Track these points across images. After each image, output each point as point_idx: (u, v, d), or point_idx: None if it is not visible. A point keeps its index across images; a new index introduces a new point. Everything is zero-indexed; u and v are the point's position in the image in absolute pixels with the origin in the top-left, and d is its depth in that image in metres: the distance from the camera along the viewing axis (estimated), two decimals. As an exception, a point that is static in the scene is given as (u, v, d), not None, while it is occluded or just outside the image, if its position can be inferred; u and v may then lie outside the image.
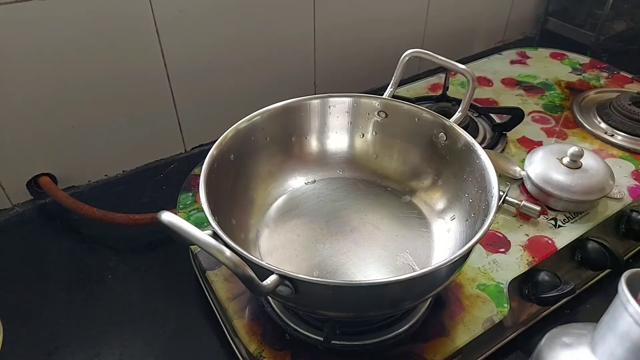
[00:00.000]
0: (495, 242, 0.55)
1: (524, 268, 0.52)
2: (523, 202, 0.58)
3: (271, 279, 0.34)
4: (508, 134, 0.72)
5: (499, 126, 0.73)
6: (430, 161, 0.54)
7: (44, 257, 0.61)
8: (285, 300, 0.40)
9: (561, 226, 0.57)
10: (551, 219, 0.58)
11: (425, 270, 0.35)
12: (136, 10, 0.62)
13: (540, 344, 0.40)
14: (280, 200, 0.55)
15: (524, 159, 0.64)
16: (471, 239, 0.37)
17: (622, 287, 0.31)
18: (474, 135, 0.65)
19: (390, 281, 0.35)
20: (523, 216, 0.58)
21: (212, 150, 0.46)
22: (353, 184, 0.58)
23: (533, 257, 0.53)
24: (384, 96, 0.55)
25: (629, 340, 0.31)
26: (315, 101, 0.55)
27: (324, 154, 0.58)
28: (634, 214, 0.60)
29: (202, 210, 0.39)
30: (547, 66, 0.92)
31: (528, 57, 0.95)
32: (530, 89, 0.85)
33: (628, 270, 0.32)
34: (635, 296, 0.30)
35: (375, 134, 0.57)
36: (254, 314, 0.48)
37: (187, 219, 0.58)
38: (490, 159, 0.45)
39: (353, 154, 0.58)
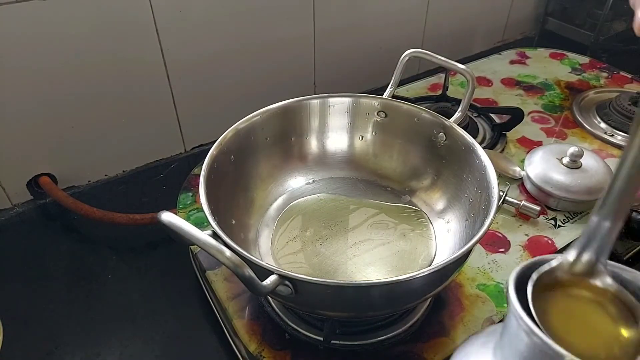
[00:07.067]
0: (495, 242, 0.55)
1: (523, 268, 0.52)
2: (523, 202, 0.58)
3: (271, 279, 0.34)
4: (508, 134, 0.72)
5: (499, 126, 0.73)
6: (430, 161, 0.54)
7: (44, 257, 0.61)
8: (285, 300, 0.40)
9: (561, 226, 0.57)
10: (551, 219, 0.58)
11: (425, 270, 0.35)
12: (136, 10, 0.62)
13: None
14: (280, 200, 0.55)
15: (523, 159, 0.64)
16: (471, 239, 0.37)
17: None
18: (474, 135, 0.64)
19: (390, 281, 0.35)
20: (523, 216, 0.59)
21: (212, 150, 0.46)
22: (353, 184, 0.58)
23: (533, 257, 0.53)
24: (383, 96, 0.55)
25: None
26: (315, 101, 0.55)
27: (324, 154, 0.58)
28: (634, 214, 0.59)
29: (202, 210, 0.39)
30: (546, 66, 0.92)
31: (528, 57, 0.95)
32: (529, 89, 0.85)
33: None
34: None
35: (375, 134, 0.57)
36: (253, 314, 0.48)
37: (187, 219, 0.58)
38: (490, 159, 0.45)
39: (353, 154, 0.58)
